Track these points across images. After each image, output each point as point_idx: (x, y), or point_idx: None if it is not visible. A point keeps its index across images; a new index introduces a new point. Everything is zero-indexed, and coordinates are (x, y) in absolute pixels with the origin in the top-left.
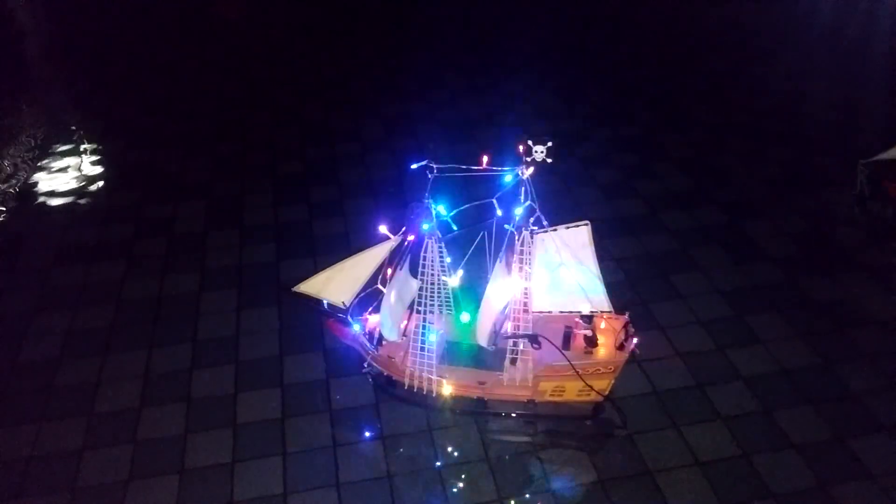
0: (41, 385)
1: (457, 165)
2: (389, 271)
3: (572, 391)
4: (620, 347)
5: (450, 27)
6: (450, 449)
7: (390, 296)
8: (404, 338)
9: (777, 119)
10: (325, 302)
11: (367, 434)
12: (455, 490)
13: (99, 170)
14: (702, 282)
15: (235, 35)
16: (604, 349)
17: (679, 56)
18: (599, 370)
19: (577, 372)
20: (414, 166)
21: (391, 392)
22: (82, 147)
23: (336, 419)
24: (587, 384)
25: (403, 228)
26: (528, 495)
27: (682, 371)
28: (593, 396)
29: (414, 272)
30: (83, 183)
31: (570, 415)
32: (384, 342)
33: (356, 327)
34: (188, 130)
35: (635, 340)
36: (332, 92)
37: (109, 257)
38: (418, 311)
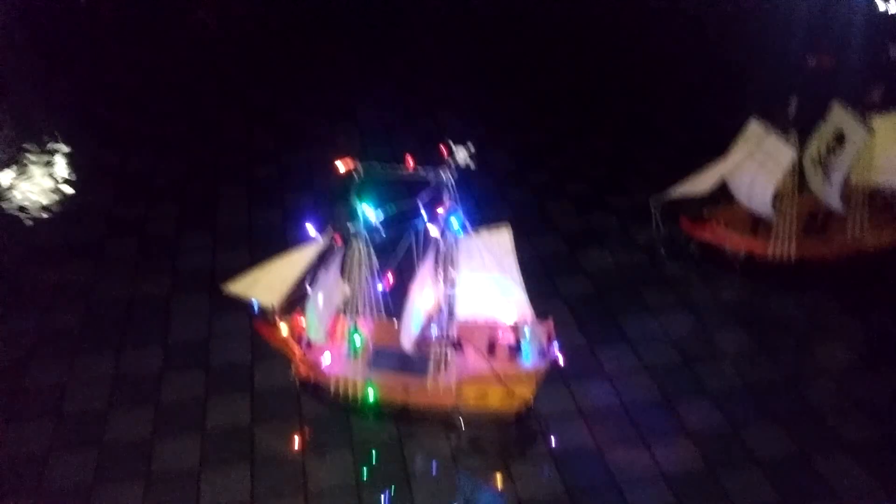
0: (10, 386)
1: (381, 165)
2: (320, 273)
3: (496, 397)
4: (543, 355)
5: (427, 34)
6: (419, 460)
7: (317, 297)
8: (331, 341)
9: None
10: (254, 302)
11: (339, 442)
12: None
13: (70, 170)
14: (671, 296)
15: (210, 39)
16: (527, 355)
17: (652, 73)
18: (522, 377)
19: (500, 377)
20: (339, 166)
21: (317, 396)
22: (53, 146)
23: (307, 428)
24: (510, 390)
25: (331, 229)
26: None
27: (650, 384)
28: (517, 403)
29: (344, 274)
30: (53, 183)
31: (494, 420)
32: (312, 345)
33: (284, 329)
34: (161, 131)
35: (556, 346)
36: (308, 96)
37: (80, 258)
38: (345, 314)
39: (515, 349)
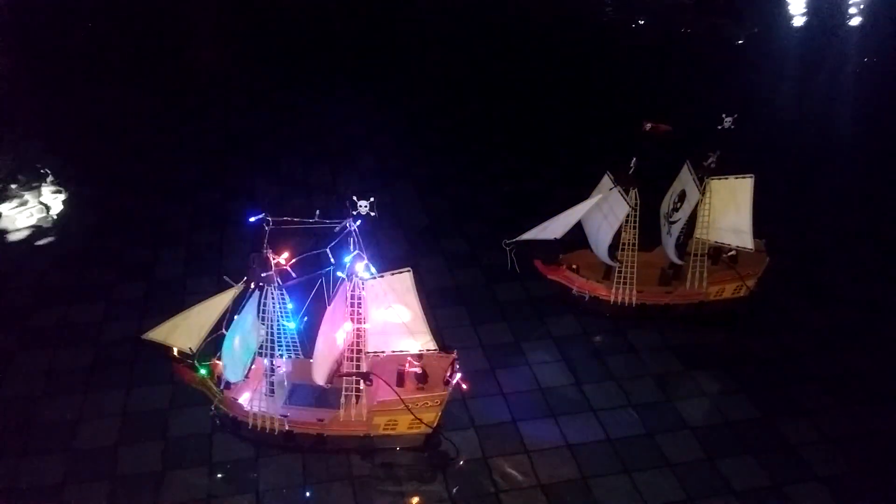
0: (21, 421)
1: (290, 218)
2: (236, 318)
3: (404, 424)
4: (446, 383)
5: (427, 87)
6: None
7: (234, 340)
8: (247, 380)
9: None
10: (173, 348)
11: None
12: None
13: (80, 214)
14: (656, 338)
15: (217, 86)
16: (433, 384)
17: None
18: (427, 404)
19: (407, 406)
20: (252, 219)
21: (236, 432)
22: (61, 191)
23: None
24: (416, 417)
25: (245, 277)
26: None
27: (635, 420)
28: (423, 428)
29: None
30: (63, 226)
31: (404, 446)
32: (231, 385)
33: (202, 371)
34: (169, 178)
35: (459, 376)
36: (309, 145)
37: (89, 300)
38: (261, 355)
39: (422, 377)
